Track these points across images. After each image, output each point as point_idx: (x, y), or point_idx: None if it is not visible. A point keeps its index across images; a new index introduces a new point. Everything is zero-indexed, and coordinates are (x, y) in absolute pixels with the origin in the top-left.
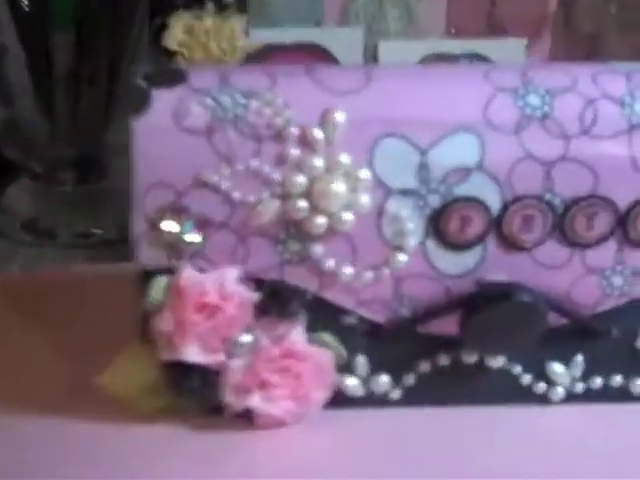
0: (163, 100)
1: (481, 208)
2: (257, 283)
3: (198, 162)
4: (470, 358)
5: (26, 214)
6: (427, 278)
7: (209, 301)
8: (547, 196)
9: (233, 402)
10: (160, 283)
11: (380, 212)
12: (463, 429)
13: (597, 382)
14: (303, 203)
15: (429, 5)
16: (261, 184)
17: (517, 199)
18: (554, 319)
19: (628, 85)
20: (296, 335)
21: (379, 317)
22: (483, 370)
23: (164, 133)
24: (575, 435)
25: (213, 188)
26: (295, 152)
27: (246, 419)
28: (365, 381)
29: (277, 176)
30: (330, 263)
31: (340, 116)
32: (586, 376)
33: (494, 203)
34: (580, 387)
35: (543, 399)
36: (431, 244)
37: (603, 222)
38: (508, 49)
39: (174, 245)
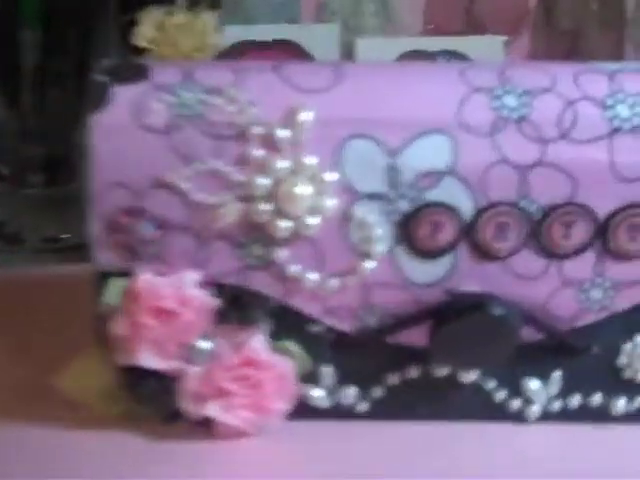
0: (123, 96)
1: (452, 214)
2: (218, 288)
3: (157, 162)
4: (441, 371)
5: None
6: (396, 286)
7: (166, 306)
8: (522, 203)
9: (190, 410)
10: (116, 286)
11: (347, 217)
12: (433, 445)
13: (575, 401)
14: (266, 206)
15: (407, 1)
16: (222, 185)
17: (491, 205)
18: (529, 333)
19: (610, 86)
20: (257, 343)
21: (346, 326)
22: (455, 384)
23: (122, 131)
24: (551, 456)
25: (172, 189)
26: (259, 153)
27: (206, 428)
28: (331, 392)
29: (239, 177)
30: (295, 269)
31: (306, 115)
32: (564, 394)
33: (466, 209)
34: (557, 405)
35: (518, 417)
36: (400, 251)
37: (581, 231)
38: (487, 46)
39: (131, 247)
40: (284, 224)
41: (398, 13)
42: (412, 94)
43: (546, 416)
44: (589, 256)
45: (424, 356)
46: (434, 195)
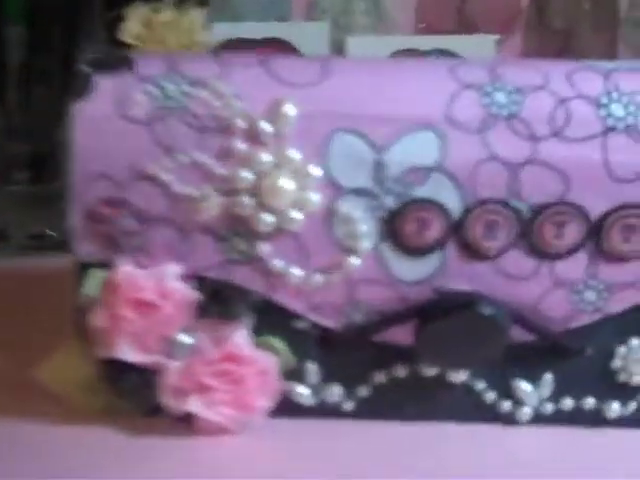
0: (106, 86)
1: (440, 211)
2: (200, 282)
3: (139, 153)
4: (429, 371)
5: None
6: (382, 284)
7: (146, 298)
8: (513, 201)
9: (171, 405)
10: (95, 277)
11: (331, 212)
12: (419, 446)
13: (568, 403)
14: (249, 200)
15: (398, 0)
16: (204, 178)
17: (480, 203)
18: (520, 334)
19: (605, 84)
20: (239, 338)
21: (331, 323)
22: (443, 384)
23: (104, 121)
24: (543, 459)
25: (154, 181)
26: (242, 146)
27: (187, 423)
28: (316, 390)
29: (222, 170)
30: (278, 264)
31: (290, 108)
32: (556, 396)
33: (454, 206)
34: (549, 408)
35: (508, 419)
36: (386, 248)
37: (574, 231)
38: (478, 46)
39: (112, 238)
40: (267, 218)
41: (389, 12)
42: (401, 89)
43: (538, 418)
44: (582, 257)
45: (412, 355)
46: (421, 192)
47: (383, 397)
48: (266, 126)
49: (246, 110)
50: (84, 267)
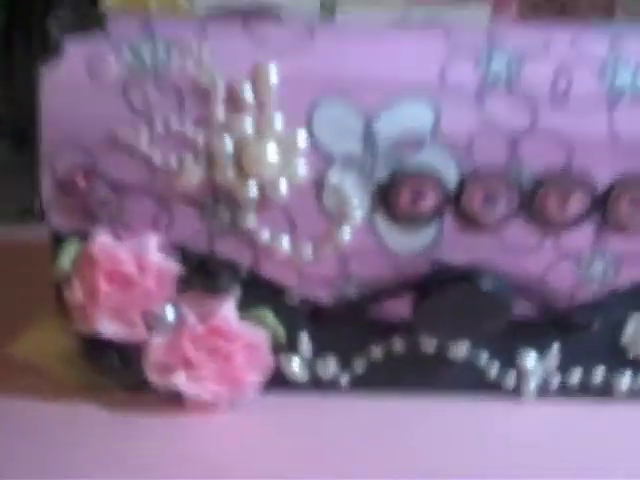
0: (77, 49)
1: (435, 182)
2: (182, 253)
3: (113, 120)
4: (429, 344)
5: None
6: (375, 256)
7: (124, 271)
8: (513, 171)
9: (156, 382)
10: (71, 249)
11: (320, 182)
12: (419, 423)
13: (576, 376)
14: (231, 169)
15: None
16: (183, 147)
17: (477, 173)
18: (523, 308)
19: (611, 49)
20: (226, 312)
21: (322, 297)
22: (443, 358)
23: (76, 86)
24: (549, 435)
25: (130, 150)
26: (221, 112)
27: (175, 400)
28: (309, 365)
29: (201, 138)
30: (265, 235)
31: (273, 73)
32: (563, 369)
33: (451, 176)
34: (556, 381)
35: (513, 393)
36: (379, 218)
37: (578, 202)
38: (472, 15)
39: (87, 209)
40: (250, 188)
41: None
42: (391, 53)
43: (544, 392)
44: (587, 228)
45: (410, 328)
46: (415, 161)
47: (380, 371)
48: (247, 91)
49: (225, 75)
50: (59, 239)
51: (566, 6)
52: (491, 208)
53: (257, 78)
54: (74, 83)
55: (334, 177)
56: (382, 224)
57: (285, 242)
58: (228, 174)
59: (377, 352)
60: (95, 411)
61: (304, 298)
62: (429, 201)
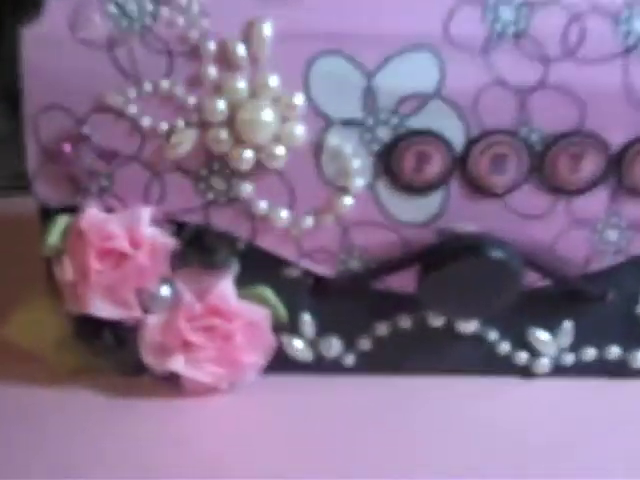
0: (59, 5)
1: (441, 144)
2: (177, 227)
3: (99, 81)
4: (436, 320)
5: None
6: (379, 226)
7: (116, 246)
8: (522, 131)
9: (153, 363)
10: (59, 224)
11: (318, 146)
12: (427, 402)
13: (590, 353)
14: (225, 134)
15: None
16: (174, 110)
17: (485, 134)
18: (535, 279)
19: None
20: (224, 289)
21: (325, 270)
22: (452, 335)
23: (58, 45)
24: (562, 414)
25: (118, 113)
26: (213, 72)
27: (173, 382)
28: (313, 344)
29: (192, 100)
30: (262, 205)
31: (267, 28)
32: (577, 346)
33: (457, 138)
34: (569, 359)
35: (525, 371)
36: (382, 186)
37: (592, 164)
38: None
39: (75, 179)
40: (246, 154)
41: None
42: (391, 5)
43: (557, 370)
44: (601, 192)
45: (417, 304)
46: (419, 122)
47: (386, 350)
48: (240, 49)
49: (216, 30)
50: (47, 213)
51: None
52: (500, 172)
53: (250, 34)
54: (57, 42)
55: (333, 139)
56: (385, 191)
57: (284, 212)
58: (221, 139)
59: (382, 329)
60: (90, 395)
61: (305, 272)
62: (434, 166)
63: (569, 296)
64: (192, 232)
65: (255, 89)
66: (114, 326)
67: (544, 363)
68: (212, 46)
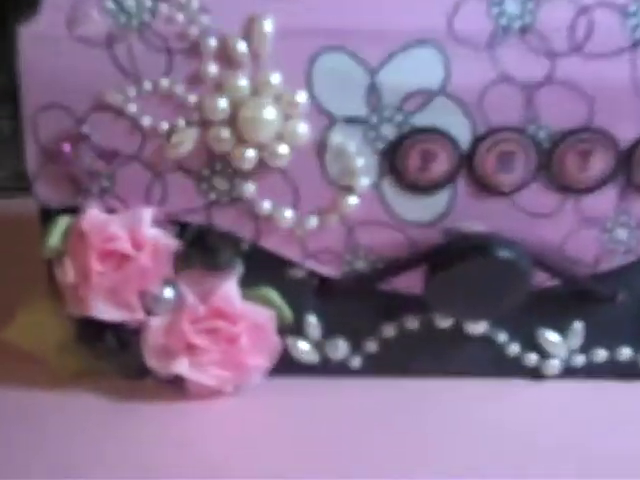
0: (55, 3)
1: (447, 142)
2: (179, 227)
3: (97, 80)
4: (444, 322)
5: None
6: (385, 226)
7: (117, 248)
8: (529, 128)
9: (156, 367)
10: (60, 225)
11: (322, 145)
12: (435, 404)
13: (600, 355)
14: (226, 132)
15: None
16: (175, 108)
17: (491, 131)
18: (544, 279)
19: None
20: (228, 291)
21: (330, 271)
22: (460, 336)
23: (56, 43)
24: (573, 417)
25: (118, 112)
26: (213, 69)
27: (177, 385)
28: (318, 346)
29: (193, 99)
30: (266, 205)
31: (268, 25)
32: (587, 347)
33: (463, 136)
34: (580, 360)
35: (535, 372)
36: (387, 185)
37: (600, 162)
38: None
39: (76, 180)
40: (248, 153)
41: None
42: (394, 0)
43: (568, 372)
44: (611, 191)
45: (424, 305)
46: (424, 119)
47: (393, 352)
48: (241, 45)
49: (217, 27)
50: (48, 214)
51: None
52: (507, 170)
53: (251, 30)
54: (53, 40)
55: (337, 137)
56: (390, 190)
57: (288, 212)
58: (223, 138)
59: (389, 331)
60: (93, 398)
61: (310, 273)
62: (440, 164)
63: (579, 296)
64: (195, 233)
65: (257, 87)
66: (116, 329)
67: (554, 364)
68: (212, 43)
